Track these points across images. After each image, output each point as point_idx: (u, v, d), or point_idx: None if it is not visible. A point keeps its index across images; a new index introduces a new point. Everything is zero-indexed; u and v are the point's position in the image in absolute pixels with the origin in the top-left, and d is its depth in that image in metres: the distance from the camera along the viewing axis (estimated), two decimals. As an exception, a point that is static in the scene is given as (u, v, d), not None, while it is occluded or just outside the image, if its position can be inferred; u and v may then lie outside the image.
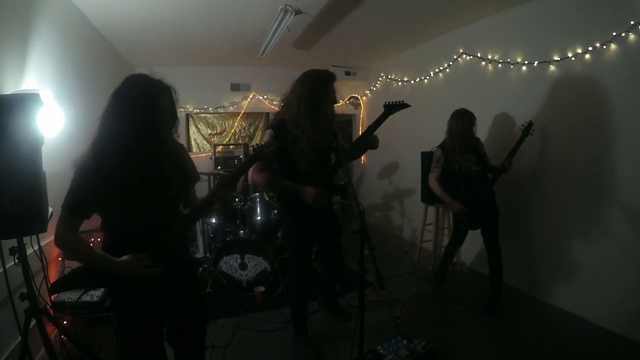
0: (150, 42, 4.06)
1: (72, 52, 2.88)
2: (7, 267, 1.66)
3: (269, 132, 2.21)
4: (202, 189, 3.86)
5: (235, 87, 5.74)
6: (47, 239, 2.36)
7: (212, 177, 4.57)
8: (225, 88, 5.69)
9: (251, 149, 1.44)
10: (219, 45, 4.40)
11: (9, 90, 1.97)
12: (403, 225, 5.33)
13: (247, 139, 6.01)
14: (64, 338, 2.01)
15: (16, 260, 1.65)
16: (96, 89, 3.21)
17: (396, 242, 5.05)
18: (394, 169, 5.41)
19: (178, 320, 1.60)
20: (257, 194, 3.80)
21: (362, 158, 6.43)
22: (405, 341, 2.36)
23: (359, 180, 6.64)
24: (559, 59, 2.89)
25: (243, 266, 3.36)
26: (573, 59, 2.79)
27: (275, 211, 3.82)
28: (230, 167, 5.00)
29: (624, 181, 2.55)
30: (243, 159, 5.16)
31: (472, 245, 3.48)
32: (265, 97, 5.84)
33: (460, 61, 3.96)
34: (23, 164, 1.51)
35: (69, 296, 2.34)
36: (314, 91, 2.17)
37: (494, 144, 3.36)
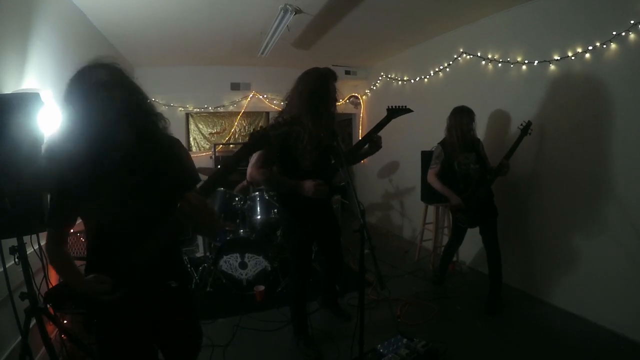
0: (151, 42, 4.06)
1: (73, 52, 2.88)
2: (7, 266, 1.66)
3: None
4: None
5: (235, 87, 5.74)
6: (47, 238, 2.36)
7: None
8: (225, 87, 5.69)
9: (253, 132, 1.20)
10: (219, 44, 4.39)
11: (9, 89, 1.97)
12: (403, 224, 5.33)
13: (247, 138, 6.00)
14: (64, 337, 2.01)
15: (16, 260, 1.65)
16: (96, 89, 3.20)
17: (396, 242, 5.05)
18: (394, 168, 5.41)
19: (167, 353, 1.45)
20: (257, 193, 3.80)
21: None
22: (405, 340, 2.36)
23: (359, 179, 6.64)
24: (559, 58, 2.89)
25: (243, 265, 3.36)
26: (573, 58, 2.79)
27: (275, 210, 3.82)
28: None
29: (623, 180, 2.54)
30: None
31: (472, 244, 3.48)
32: (265, 96, 5.83)
33: (461, 60, 3.96)
34: (23, 164, 1.52)
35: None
36: (315, 89, 2.18)
37: (493, 143, 3.36)
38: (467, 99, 3.42)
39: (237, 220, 3.68)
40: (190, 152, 2.50)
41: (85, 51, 3.21)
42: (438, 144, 3.14)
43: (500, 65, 3.45)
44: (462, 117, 2.98)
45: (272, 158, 2.22)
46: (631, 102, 2.45)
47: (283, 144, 2.18)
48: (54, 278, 2.46)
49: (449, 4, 3.27)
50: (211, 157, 5.50)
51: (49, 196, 1.24)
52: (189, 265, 3.52)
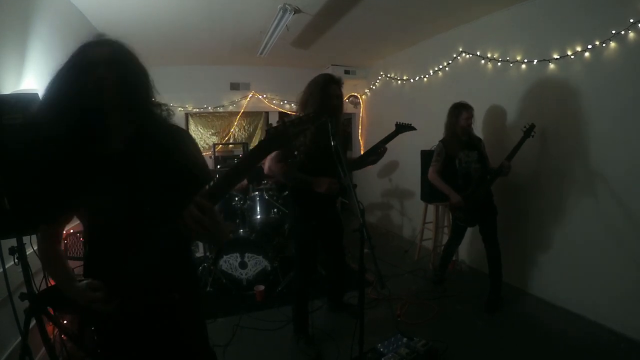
0: (150, 42, 4.05)
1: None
2: (6, 267, 1.66)
3: None
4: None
5: (234, 87, 5.73)
6: (47, 238, 2.36)
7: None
8: (224, 87, 5.69)
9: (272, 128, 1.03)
10: (219, 44, 4.39)
11: (8, 90, 1.97)
12: (403, 223, 5.33)
13: (247, 138, 6.01)
14: (64, 338, 2.01)
15: (16, 260, 1.65)
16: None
17: (396, 241, 5.05)
18: (394, 168, 5.41)
19: None
20: (257, 192, 3.80)
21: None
22: (405, 339, 2.36)
23: (359, 179, 6.63)
24: (558, 57, 2.89)
25: (243, 265, 3.36)
26: (573, 57, 2.79)
27: (275, 210, 3.82)
28: (230, 166, 4.98)
29: (623, 179, 2.54)
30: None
31: (472, 243, 3.48)
32: (264, 96, 5.83)
33: (460, 60, 3.96)
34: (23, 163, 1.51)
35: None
36: (315, 93, 2.29)
37: (492, 142, 3.36)
38: (467, 98, 3.42)
39: (237, 220, 3.68)
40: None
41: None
42: (439, 141, 3.15)
43: (499, 64, 3.45)
44: (460, 112, 2.99)
45: (290, 153, 2.29)
46: (630, 101, 2.45)
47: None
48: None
49: (448, 3, 3.27)
50: (211, 157, 5.50)
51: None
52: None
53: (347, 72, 5.84)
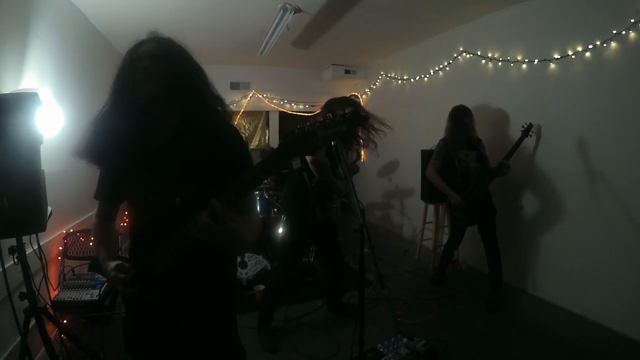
0: (150, 41, 4.04)
1: (71, 51, 2.87)
2: (6, 266, 1.66)
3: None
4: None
5: (235, 86, 5.73)
6: (47, 238, 2.36)
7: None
8: (224, 87, 5.68)
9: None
10: (219, 44, 4.39)
11: (7, 89, 1.96)
12: (403, 223, 5.33)
13: (247, 137, 6.01)
14: (64, 337, 2.01)
15: (15, 260, 1.65)
16: (95, 88, 3.20)
17: (396, 241, 5.04)
18: (394, 168, 5.41)
19: None
20: (257, 192, 3.80)
21: (362, 157, 6.42)
22: (405, 339, 2.36)
23: (359, 178, 6.63)
24: (559, 57, 2.88)
25: (243, 265, 3.36)
26: (573, 57, 2.78)
27: (275, 210, 3.82)
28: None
29: (623, 179, 2.54)
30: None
31: (472, 243, 3.47)
32: (264, 95, 5.82)
33: (460, 59, 3.95)
34: (22, 164, 1.51)
35: (69, 295, 2.34)
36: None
37: (492, 142, 3.35)
38: (467, 98, 3.43)
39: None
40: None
41: (84, 51, 3.20)
42: (440, 140, 3.16)
43: (500, 64, 3.45)
44: (461, 116, 3.01)
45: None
46: (631, 101, 2.45)
47: None
48: (53, 278, 2.47)
49: (448, 2, 3.26)
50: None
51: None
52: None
53: (347, 71, 5.84)
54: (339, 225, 4.60)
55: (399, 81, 5.12)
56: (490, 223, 3.02)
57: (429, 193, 3.75)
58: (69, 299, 2.31)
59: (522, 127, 2.89)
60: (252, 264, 3.36)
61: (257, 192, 3.79)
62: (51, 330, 2.10)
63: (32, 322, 1.71)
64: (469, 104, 3.11)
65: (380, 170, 5.70)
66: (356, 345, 1.88)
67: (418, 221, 4.42)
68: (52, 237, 2.49)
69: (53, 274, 2.55)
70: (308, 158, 2.24)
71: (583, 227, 2.81)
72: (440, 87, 4.32)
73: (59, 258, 2.63)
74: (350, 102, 2.40)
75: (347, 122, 0.87)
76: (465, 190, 2.96)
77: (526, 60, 3.17)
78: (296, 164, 0.88)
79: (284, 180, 3.45)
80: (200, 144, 1.06)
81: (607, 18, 2.53)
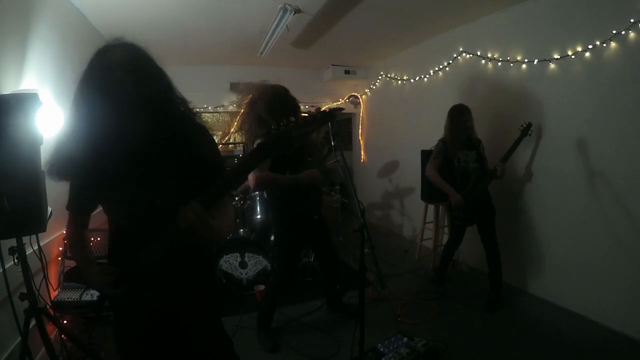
0: (149, 41, 3.94)
1: (71, 52, 2.87)
2: (6, 267, 1.66)
3: None
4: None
5: (234, 86, 5.71)
6: (47, 238, 2.36)
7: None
8: (224, 87, 5.68)
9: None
10: (219, 44, 4.39)
11: (8, 90, 1.96)
12: (403, 223, 5.33)
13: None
14: (64, 338, 2.01)
15: (15, 260, 1.65)
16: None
17: (396, 241, 5.05)
18: (394, 168, 5.41)
19: None
20: (257, 192, 3.80)
21: (362, 156, 6.43)
22: (405, 339, 2.36)
23: (359, 179, 6.64)
24: (559, 57, 2.88)
25: (243, 265, 3.36)
26: (573, 57, 2.78)
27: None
28: (229, 166, 4.98)
29: (623, 179, 2.54)
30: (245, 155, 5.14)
31: (472, 243, 3.47)
32: (264, 95, 5.82)
33: (460, 60, 3.96)
34: (22, 164, 1.51)
35: (69, 295, 2.34)
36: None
37: (492, 142, 3.36)
38: (467, 98, 3.43)
39: (237, 220, 3.68)
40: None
41: (84, 51, 3.19)
42: (439, 140, 3.16)
43: (500, 64, 3.45)
44: (459, 115, 3.01)
45: (268, 163, 2.33)
46: (630, 101, 2.45)
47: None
48: (53, 279, 2.47)
49: (448, 3, 3.26)
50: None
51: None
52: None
53: (347, 72, 5.84)
54: (340, 225, 4.61)
55: (399, 81, 5.13)
56: (489, 223, 3.02)
57: (429, 193, 3.75)
58: (69, 299, 2.31)
59: (521, 126, 2.88)
60: (252, 264, 3.36)
61: (257, 193, 3.79)
62: (51, 330, 2.10)
63: (33, 322, 1.71)
64: (469, 104, 3.11)
65: (381, 171, 5.70)
66: (356, 345, 1.89)
67: (418, 221, 4.43)
68: (52, 238, 2.49)
69: (53, 274, 2.55)
70: (251, 177, 2.24)
71: (583, 227, 2.81)
72: (440, 88, 4.32)
73: (59, 258, 2.63)
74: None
75: (317, 122, 0.98)
76: (464, 190, 2.97)
77: (526, 60, 3.17)
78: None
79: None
80: (173, 144, 1.10)
81: (606, 18, 2.53)
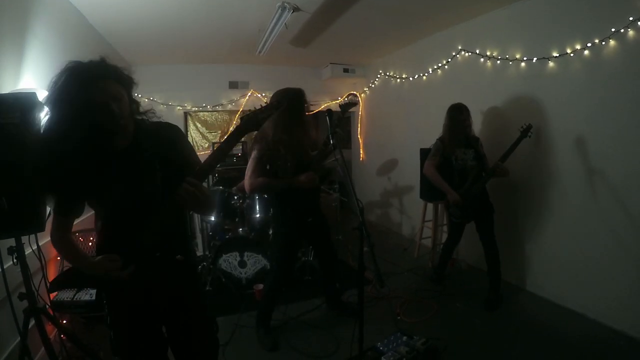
0: (148, 40, 4.04)
1: (70, 51, 2.86)
2: (5, 267, 1.66)
3: None
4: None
5: (233, 85, 5.71)
6: (46, 238, 2.34)
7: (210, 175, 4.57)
8: (223, 86, 5.67)
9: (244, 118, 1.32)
10: (217, 43, 4.37)
11: (6, 89, 1.96)
12: (402, 222, 5.33)
13: (246, 136, 6.00)
14: (64, 337, 2.01)
15: (14, 260, 1.65)
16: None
17: (395, 239, 5.05)
18: (393, 166, 5.41)
19: (175, 333, 1.47)
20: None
21: (361, 155, 6.43)
22: (405, 337, 2.37)
23: (358, 177, 6.64)
24: (557, 55, 2.88)
25: (242, 264, 3.36)
26: (572, 55, 2.78)
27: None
28: (228, 165, 4.98)
29: (621, 177, 2.55)
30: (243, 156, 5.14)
31: (471, 242, 3.48)
32: (263, 94, 5.81)
33: (459, 58, 3.95)
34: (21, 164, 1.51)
35: (68, 295, 2.34)
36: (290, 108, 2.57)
37: (491, 140, 3.36)
38: (466, 96, 3.43)
39: (236, 219, 3.68)
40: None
41: (83, 50, 3.19)
42: (437, 139, 3.16)
43: (499, 62, 3.45)
44: (458, 114, 3.02)
45: (263, 167, 2.45)
46: (629, 99, 2.45)
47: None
48: (52, 279, 2.46)
49: (447, 1, 3.26)
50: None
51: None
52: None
53: (346, 70, 5.83)
54: (339, 223, 4.61)
55: (398, 80, 5.12)
56: (488, 221, 3.03)
57: (428, 191, 3.75)
58: (69, 299, 2.30)
59: (522, 127, 2.88)
60: (252, 263, 3.36)
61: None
62: (51, 330, 2.10)
63: (32, 322, 1.71)
64: (468, 102, 3.11)
65: (380, 169, 5.70)
66: (356, 343, 1.89)
67: (417, 219, 4.43)
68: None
69: (52, 274, 2.55)
70: (245, 183, 2.44)
71: (582, 225, 2.82)
72: (439, 86, 4.32)
73: (58, 258, 2.63)
74: (279, 94, 2.60)
75: (272, 109, 1.33)
76: (462, 188, 2.97)
77: (525, 58, 3.17)
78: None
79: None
80: (152, 140, 1.30)
81: (605, 16, 2.53)
